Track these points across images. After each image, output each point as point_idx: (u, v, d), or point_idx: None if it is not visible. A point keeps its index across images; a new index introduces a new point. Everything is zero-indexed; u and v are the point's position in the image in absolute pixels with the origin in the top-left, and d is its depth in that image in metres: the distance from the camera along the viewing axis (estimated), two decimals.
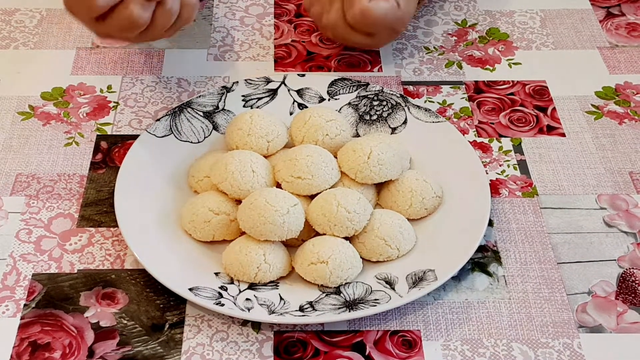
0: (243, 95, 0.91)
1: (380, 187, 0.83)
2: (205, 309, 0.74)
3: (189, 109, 0.89)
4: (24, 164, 0.87)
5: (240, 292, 0.74)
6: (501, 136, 0.91)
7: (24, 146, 0.89)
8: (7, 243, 0.80)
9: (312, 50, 1.01)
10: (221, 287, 0.74)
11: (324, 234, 0.77)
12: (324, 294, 0.74)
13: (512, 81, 0.98)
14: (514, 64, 1.00)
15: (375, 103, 0.91)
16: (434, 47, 1.02)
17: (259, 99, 0.91)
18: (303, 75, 0.94)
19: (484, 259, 0.79)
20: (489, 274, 0.78)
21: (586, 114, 0.94)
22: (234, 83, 0.92)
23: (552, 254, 0.80)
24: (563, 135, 0.92)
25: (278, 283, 0.76)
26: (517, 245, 0.81)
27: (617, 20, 1.07)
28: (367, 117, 0.90)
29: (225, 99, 0.91)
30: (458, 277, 0.78)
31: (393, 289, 0.74)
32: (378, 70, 0.99)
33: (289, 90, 0.92)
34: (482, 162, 0.87)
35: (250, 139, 0.83)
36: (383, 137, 0.86)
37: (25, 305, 0.75)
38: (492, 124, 0.93)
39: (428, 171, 0.84)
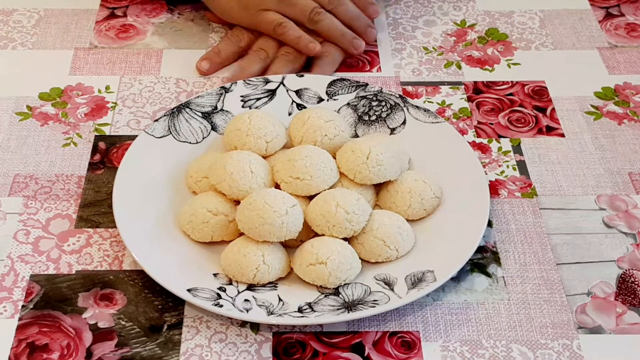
0: (242, 96, 0.91)
1: (379, 187, 0.83)
2: (204, 310, 0.74)
3: (187, 110, 0.89)
4: (22, 165, 0.87)
5: (238, 293, 0.74)
6: (500, 137, 0.91)
7: (21, 147, 0.89)
8: (5, 244, 0.79)
9: None
10: (220, 288, 0.74)
11: (323, 235, 0.77)
12: (323, 295, 0.74)
13: (511, 81, 0.98)
14: (513, 64, 1.00)
15: (374, 103, 0.91)
16: (433, 48, 1.02)
17: (258, 99, 0.91)
18: (302, 75, 0.93)
19: (483, 260, 0.79)
20: (488, 274, 0.78)
21: (585, 114, 0.94)
22: (232, 83, 0.92)
23: (552, 254, 0.80)
24: (562, 135, 0.92)
25: (277, 284, 0.76)
26: (517, 246, 0.81)
27: (617, 20, 1.07)
28: (366, 118, 0.90)
29: (223, 100, 0.91)
30: (457, 278, 0.77)
31: (392, 290, 0.74)
32: (377, 71, 0.99)
33: (287, 91, 0.92)
34: (481, 162, 0.87)
35: (248, 140, 0.83)
36: (382, 138, 0.86)
37: (23, 306, 0.75)
38: (491, 124, 0.93)
39: (427, 172, 0.84)
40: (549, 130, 0.92)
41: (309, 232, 0.78)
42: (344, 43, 0.97)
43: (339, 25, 0.97)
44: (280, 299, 0.74)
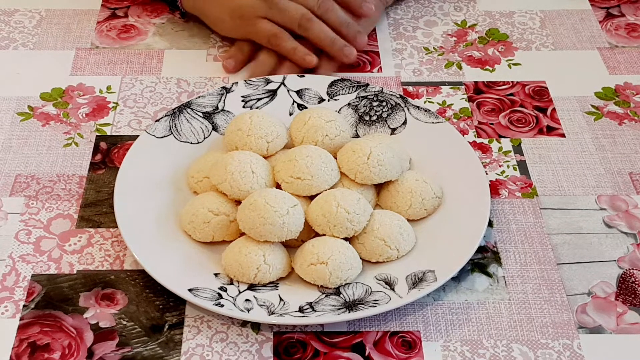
0: (242, 96, 0.91)
1: (380, 187, 0.83)
2: (205, 310, 0.74)
3: (188, 110, 0.89)
4: (24, 165, 0.87)
5: (239, 292, 0.74)
6: (501, 137, 0.91)
7: (23, 147, 0.89)
8: (6, 244, 0.80)
9: None
10: (221, 288, 0.74)
11: (324, 235, 0.77)
12: (324, 295, 0.74)
13: (512, 82, 0.98)
14: (513, 64, 1.00)
15: (374, 104, 0.91)
16: (434, 48, 1.02)
17: (259, 99, 0.91)
18: (302, 75, 0.93)
19: (483, 260, 0.79)
20: (488, 274, 0.78)
21: (586, 114, 0.94)
22: (233, 84, 0.92)
23: (552, 254, 0.80)
24: (563, 135, 0.92)
25: (278, 284, 0.76)
26: (517, 246, 0.81)
27: (617, 20, 1.07)
28: (367, 118, 0.90)
29: (224, 100, 0.91)
30: (458, 278, 0.78)
31: (393, 289, 0.74)
32: (378, 71, 0.99)
33: (288, 91, 0.92)
34: (482, 162, 0.87)
35: (249, 140, 0.83)
36: (383, 138, 0.86)
37: (24, 306, 0.75)
38: (492, 124, 0.93)
39: (428, 172, 0.84)
40: (550, 131, 0.92)
41: (309, 232, 0.78)
42: (334, 51, 0.96)
43: (329, 32, 0.96)
44: (281, 299, 0.74)
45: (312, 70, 0.96)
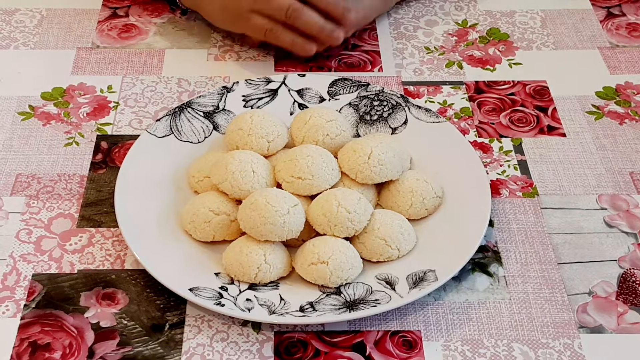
0: (243, 96, 0.91)
1: (380, 187, 0.83)
2: (206, 310, 0.74)
3: (189, 109, 0.89)
4: (24, 164, 0.87)
5: (240, 292, 0.74)
6: (502, 136, 0.91)
7: (24, 146, 0.89)
8: (7, 243, 0.80)
9: None
10: (221, 288, 0.74)
11: (325, 234, 0.77)
12: (325, 294, 0.74)
13: (513, 81, 0.98)
14: (514, 64, 1.00)
15: (375, 103, 0.91)
16: (435, 47, 1.02)
17: (260, 99, 0.91)
18: (303, 75, 0.94)
19: (484, 260, 0.79)
20: (489, 274, 0.78)
21: (587, 114, 0.94)
22: (234, 83, 0.92)
23: (553, 254, 0.80)
24: (563, 135, 0.92)
25: (278, 283, 0.76)
26: (518, 245, 0.81)
27: (618, 20, 1.07)
28: (368, 117, 0.90)
29: (225, 99, 0.91)
30: (458, 278, 0.78)
31: (393, 289, 0.74)
32: (378, 71, 0.99)
33: (289, 91, 0.92)
34: (483, 162, 0.87)
35: (250, 139, 0.83)
36: (383, 137, 0.86)
37: (25, 305, 0.75)
38: (493, 124, 0.93)
39: (428, 171, 0.84)
40: (550, 130, 0.92)
41: (310, 232, 0.78)
42: (323, 38, 0.95)
43: (317, 20, 0.94)
44: (281, 299, 0.74)
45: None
